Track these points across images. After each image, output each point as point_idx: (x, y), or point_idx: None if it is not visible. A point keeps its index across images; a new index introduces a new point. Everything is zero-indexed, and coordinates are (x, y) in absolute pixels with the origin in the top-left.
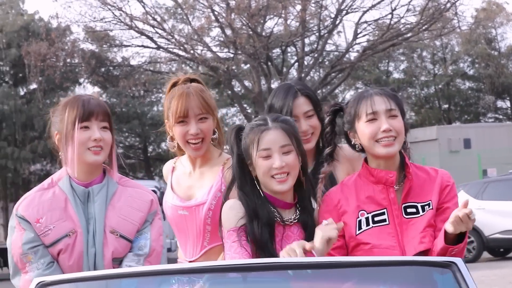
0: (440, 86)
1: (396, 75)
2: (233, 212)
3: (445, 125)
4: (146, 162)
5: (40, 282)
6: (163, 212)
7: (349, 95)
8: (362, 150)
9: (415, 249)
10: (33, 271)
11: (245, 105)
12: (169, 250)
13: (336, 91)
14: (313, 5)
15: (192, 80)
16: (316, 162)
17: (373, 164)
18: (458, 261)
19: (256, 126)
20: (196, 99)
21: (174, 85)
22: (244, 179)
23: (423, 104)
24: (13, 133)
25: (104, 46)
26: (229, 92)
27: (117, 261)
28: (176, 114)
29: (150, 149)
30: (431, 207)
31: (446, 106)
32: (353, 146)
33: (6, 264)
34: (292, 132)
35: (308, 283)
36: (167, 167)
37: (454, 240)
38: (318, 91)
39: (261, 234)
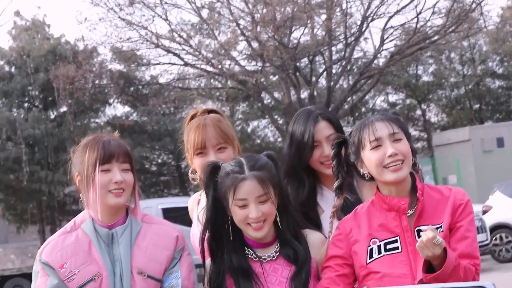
0: (470, 87)
1: (425, 78)
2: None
3: (477, 125)
4: (180, 178)
5: None
6: None
7: (379, 100)
8: (372, 178)
9: (421, 273)
10: None
11: (276, 117)
12: None
13: (366, 97)
14: (338, 13)
15: (210, 112)
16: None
17: (384, 191)
18: (488, 285)
19: (232, 173)
20: (213, 130)
21: (192, 118)
22: (216, 221)
23: (454, 106)
24: (46, 156)
25: (131, 65)
26: (259, 104)
27: None
28: (194, 146)
29: (183, 165)
30: (441, 230)
31: (477, 106)
32: (362, 176)
33: None
34: (269, 178)
35: None
36: (192, 200)
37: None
38: (348, 99)
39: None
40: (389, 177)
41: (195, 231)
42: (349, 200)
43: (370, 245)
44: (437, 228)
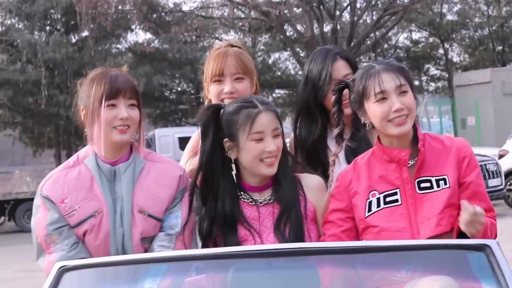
0: (494, 28)
1: (449, 17)
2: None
3: (499, 67)
4: (198, 108)
5: (62, 266)
6: None
7: (402, 37)
8: (373, 127)
9: (431, 231)
10: (57, 251)
11: (297, 49)
12: None
13: (389, 34)
14: None
15: (233, 47)
16: (354, 128)
17: (385, 142)
18: (492, 243)
19: (245, 108)
20: (233, 59)
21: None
22: (211, 165)
23: (477, 46)
24: (65, 80)
25: None
26: (281, 36)
27: (147, 241)
28: (212, 72)
29: (202, 94)
30: (447, 185)
31: (500, 48)
32: (363, 125)
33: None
34: (279, 116)
35: (335, 269)
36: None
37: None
38: (371, 35)
39: (226, 235)
40: (393, 131)
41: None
42: (350, 147)
43: (369, 198)
44: (440, 180)
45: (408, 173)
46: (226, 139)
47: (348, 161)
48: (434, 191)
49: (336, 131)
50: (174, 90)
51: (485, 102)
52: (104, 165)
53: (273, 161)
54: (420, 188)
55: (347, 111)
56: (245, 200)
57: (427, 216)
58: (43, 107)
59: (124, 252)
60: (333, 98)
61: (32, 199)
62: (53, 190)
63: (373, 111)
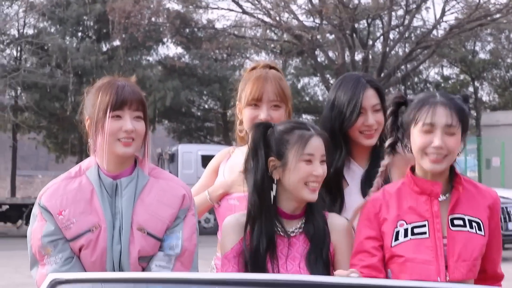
0: None
1: (482, 55)
2: (231, 234)
3: None
4: (224, 127)
5: (55, 279)
6: None
7: (433, 72)
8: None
9: (463, 275)
10: (50, 264)
11: (327, 76)
12: None
13: (420, 67)
14: None
15: (272, 68)
16: (371, 162)
17: (420, 173)
18: None
19: (298, 129)
20: (273, 84)
21: (253, 69)
22: (262, 184)
23: (507, 87)
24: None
25: (190, 7)
26: (312, 61)
27: (144, 260)
28: (250, 95)
29: (228, 113)
30: (482, 231)
31: None
32: (404, 147)
33: None
34: (328, 142)
35: None
36: (222, 153)
37: None
38: (402, 67)
39: (259, 244)
40: (426, 166)
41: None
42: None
43: (397, 227)
44: (473, 221)
45: (438, 206)
46: (272, 158)
47: (362, 191)
48: (468, 231)
49: (388, 141)
50: (201, 107)
51: (511, 144)
52: (106, 178)
53: (317, 186)
54: (453, 225)
55: (370, 141)
56: (278, 231)
57: (461, 256)
58: (69, 113)
59: (120, 270)
60: (389, 109)
61: None
62: (52, 200)
63: (415, 138)
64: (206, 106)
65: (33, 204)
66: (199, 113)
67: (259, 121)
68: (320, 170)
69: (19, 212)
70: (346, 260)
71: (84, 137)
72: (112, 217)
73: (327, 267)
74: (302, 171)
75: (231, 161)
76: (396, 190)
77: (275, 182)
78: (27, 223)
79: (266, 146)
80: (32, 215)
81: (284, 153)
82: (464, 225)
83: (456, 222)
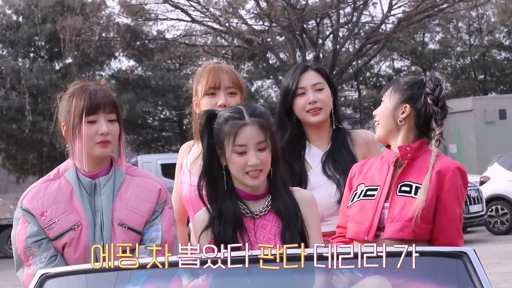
0: (476, 57)
1: (431, 46)
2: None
3: (480, 96)
4: (181, 135)
5: (44, 274)
6: None
7: (384, 66)
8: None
9: (392, 234)
10: (35, 264)
11: (280, 77)
12: None
13: (371, 62)
14: None
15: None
16: (332, 143)
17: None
18: (469, 251)
19: (232, 119)
20: (228, 73)
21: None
22: (211, 169)
23: (458, 75)
24: (49, 107)
25: (139, 19)
26: (264, 64)
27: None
28: (207, 85)
29: (185, 122)
30: (418, 194)
31: (482, 76)
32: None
33: None
34: (268, 126)
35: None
36: (183, 148)
37: None
38: (354, 63)
39: (224, 233)
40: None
41: (184, 178)
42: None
43: (356, 189)
44: (420, 187)
45: (391, 173)
46: (216, 146)
47: (324, 170)
48: (412, 196)
49: (437, 131)
50: (157, 117)
51: (466, 130)
52: (84, 178)
53: (257, 173)
54: (400, 191)
55: (315, 118)
56: (242, 211)
57: (395, 218)
58: (27, 133)
59: None
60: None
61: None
62: (33, 203)
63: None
64: (162, 116)
65: None
66: (155, 124)
67: (217, 108)
68: (254, 159)
69: None
70: (314, 233)
71: (42, 156)
72: (93, 215)
73: (305, 241)
74: (237, 163)
75: (191, 154)
76: (373, 159)
77: (223, 169)
78: None
79: (211, 135)
80: (15, 219)
81: (222, 143)
82: (410, 192)
83: (403, 188)
